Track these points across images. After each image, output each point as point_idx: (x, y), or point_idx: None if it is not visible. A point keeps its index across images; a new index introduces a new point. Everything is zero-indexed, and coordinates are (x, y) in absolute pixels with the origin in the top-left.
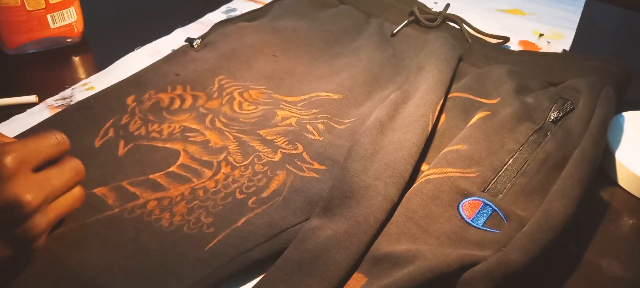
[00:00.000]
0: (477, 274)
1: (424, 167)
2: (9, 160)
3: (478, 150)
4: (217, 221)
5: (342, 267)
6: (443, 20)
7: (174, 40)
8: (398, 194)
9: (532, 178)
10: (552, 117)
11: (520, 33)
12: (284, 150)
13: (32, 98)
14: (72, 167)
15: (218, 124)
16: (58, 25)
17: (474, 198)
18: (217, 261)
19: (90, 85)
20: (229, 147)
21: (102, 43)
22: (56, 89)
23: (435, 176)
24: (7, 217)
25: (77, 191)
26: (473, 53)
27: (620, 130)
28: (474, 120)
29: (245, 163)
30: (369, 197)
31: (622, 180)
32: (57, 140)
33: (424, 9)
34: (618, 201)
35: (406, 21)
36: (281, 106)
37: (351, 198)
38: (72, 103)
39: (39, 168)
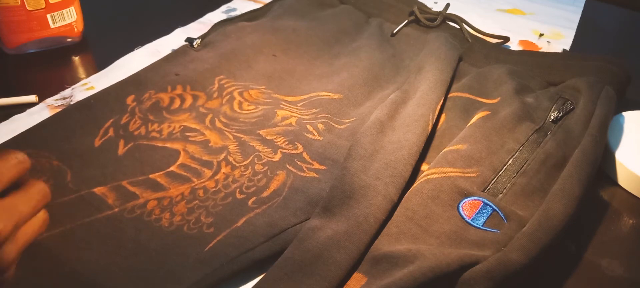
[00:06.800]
0: (477, 274)
1: (424, 166)
2: None
3: (478, 150)
4: (217, 221)
5: (342, 267)
6: (443, 20)
7: (174, 40)
8: (398, 194)
9: (532, 178)
10: (552, 117)
11: (520, 33)
12: (284, 150)
13: (32, 98)
14: (39, 190)
15: (218, 124)
16: (58, 25)
17: (474, 198)
18: (217, 261)
19: (90, 85)
20: (229, 146)
21: (102, 43)
22: (56, 89)
23: (435, 176)
24: None
25: (43, 214)
26: (473, 53)
27: (620, 130)
28: (474, 120)
29: (245, 163)
30: (369, 197)
31: (622, 180)
32: (17, 159)
33: (424, 8)
34: (618, 201)
35: (406, 21)
36: (281, 106)
37: (351, 198)
38: (72, 103)
39: (2, 194)
